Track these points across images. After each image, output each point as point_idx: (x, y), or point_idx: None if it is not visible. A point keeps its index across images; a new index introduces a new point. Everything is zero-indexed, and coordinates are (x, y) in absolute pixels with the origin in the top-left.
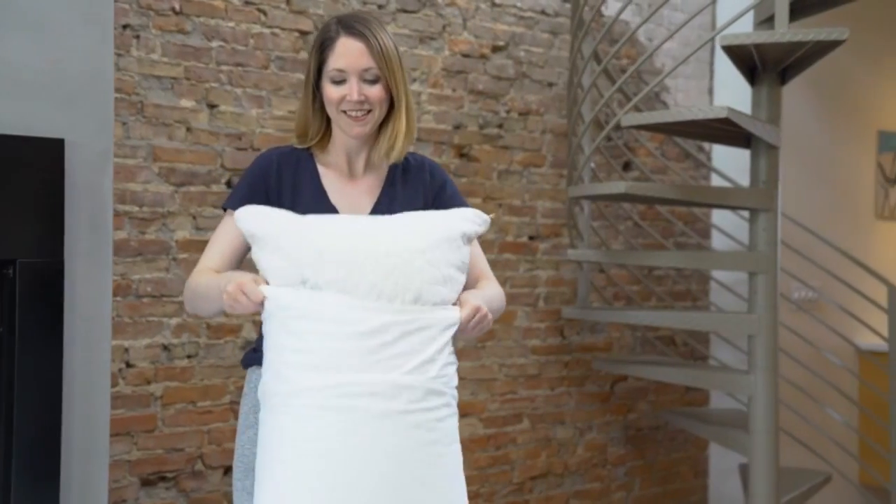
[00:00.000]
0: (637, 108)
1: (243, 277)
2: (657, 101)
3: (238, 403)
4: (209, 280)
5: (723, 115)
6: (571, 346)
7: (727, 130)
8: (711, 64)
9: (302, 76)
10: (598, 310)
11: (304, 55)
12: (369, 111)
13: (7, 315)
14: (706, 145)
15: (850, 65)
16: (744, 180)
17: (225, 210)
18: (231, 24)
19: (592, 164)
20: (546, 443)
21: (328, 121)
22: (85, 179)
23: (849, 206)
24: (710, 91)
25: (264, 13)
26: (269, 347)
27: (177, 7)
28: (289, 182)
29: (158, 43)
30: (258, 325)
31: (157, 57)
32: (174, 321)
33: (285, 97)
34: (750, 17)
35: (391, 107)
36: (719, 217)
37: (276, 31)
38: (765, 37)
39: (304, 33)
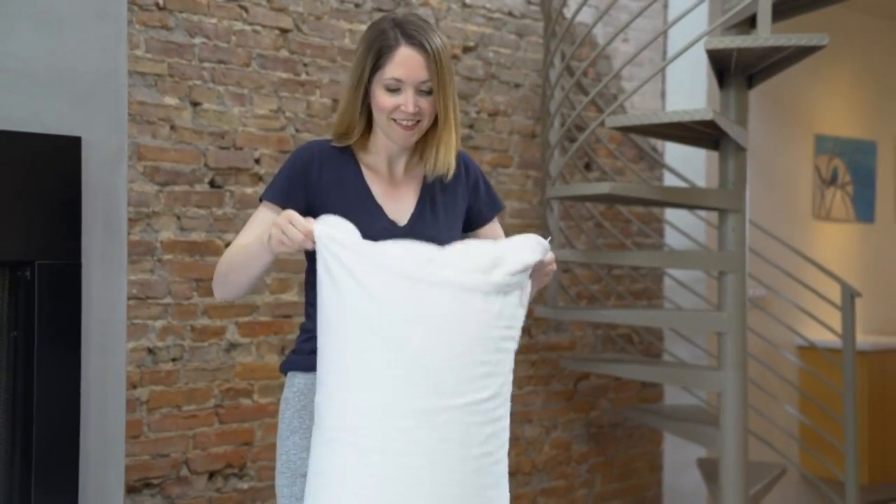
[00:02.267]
0: (599, 110)
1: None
2: (613, 103)
3: (223, 406)
4: (245, 243)
5: (708, 117)
6: (538, 345)
7: (700, 132)
8: (663, 68)
9: (283, 74)
10: (571, 309)
11: (284, 53)
12: (419, 121)
13: (25, 318)
14: (659, 146)
15: (788, 70)
16: (696, 179)
17: (261, 201)
18: (213, 20)
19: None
20: (515, 441)
21: (369, 121)
22: (100, 178)
23: (788, 207)
24: (663, 94)
25: (246, 10)
26: (323, 381)
27: (160, 2)
28: (331, 177)
29: (142, 39)
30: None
31: (141, 53)
32: (159, 323)
33: (266, 95)
34: (704, 19)
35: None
36: (673, 215)
37: (258, 28)
38: (749, 41)
39: (284, 31)
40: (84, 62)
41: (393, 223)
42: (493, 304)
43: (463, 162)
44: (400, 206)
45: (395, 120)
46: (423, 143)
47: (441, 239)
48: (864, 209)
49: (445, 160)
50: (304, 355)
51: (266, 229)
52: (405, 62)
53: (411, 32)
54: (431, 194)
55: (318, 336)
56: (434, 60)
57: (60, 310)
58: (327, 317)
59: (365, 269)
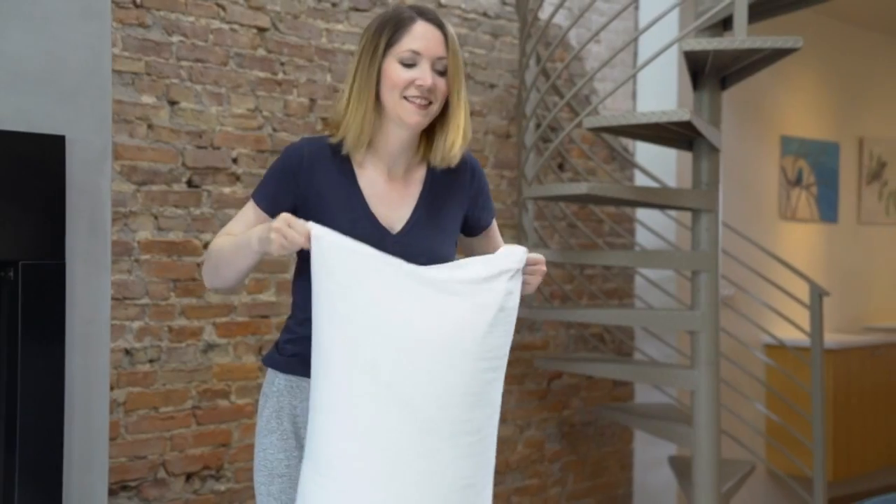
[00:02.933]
0: (572, 110)
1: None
2: (586, 104)
3: (200, 408)
4: (236, 238)
5: (685, 118)
6: (512, 344)
7: (674, 133)
8: (639, 70)
9: (260, 73)
10: (545, 309)
11: (262, 52)
12: (430, 103)
13: (8, 318)
14: (630, 146)
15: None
16: (667, 180)
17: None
18: (191, 18)
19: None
20: None
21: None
22: (84, 178)
23: (755, 207)
24: (634, 95)
25: (223, 8)
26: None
27: (138, 0)
28: (321, 179)
29: (119, 37)
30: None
31: (118, 51)
32: (136, 324)
33: (244, 95)
34: (675, 21)
35: (444, 108)
36: (644, 215)
37: (235, 26)
38: (725, 43)
39: (261, 30)
40: (69, 60)
41: (385, 230)
42: (481, 325)
43: (470, 167)
44: (395, 212)
45: (406, 98)
46: (430, 134)
47: (435, 248)
48: (828, 209)
49: (454, 145)
50: (285, 356)
51: (254, 231)
52: (424, 35)
53: (426, 11)
54: (430, 200)
55: (313, 332)
56: (452, 41)
57: (44, 310)
58: (320, 315)
59: (361, 269)
